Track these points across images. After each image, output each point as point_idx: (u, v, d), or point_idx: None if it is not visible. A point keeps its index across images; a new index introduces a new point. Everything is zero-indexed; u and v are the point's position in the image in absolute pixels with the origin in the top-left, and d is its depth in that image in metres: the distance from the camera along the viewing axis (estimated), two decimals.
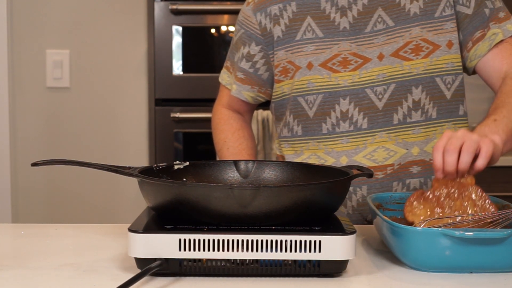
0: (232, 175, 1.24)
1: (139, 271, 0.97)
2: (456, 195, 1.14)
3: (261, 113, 2.73)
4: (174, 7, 2.79)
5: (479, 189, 1.14)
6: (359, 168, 1.19)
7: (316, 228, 1.00)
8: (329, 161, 1.45)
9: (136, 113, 3.05)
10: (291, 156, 1.50)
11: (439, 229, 1.01)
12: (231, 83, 1.61)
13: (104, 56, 3.03)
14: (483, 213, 1.13)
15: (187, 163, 1.23)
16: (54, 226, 1.33)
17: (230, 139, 1.61)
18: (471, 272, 1.04)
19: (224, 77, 1.65)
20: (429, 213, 1.13)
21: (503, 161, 2.74)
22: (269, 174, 1.24)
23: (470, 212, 1.13)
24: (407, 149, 1.42)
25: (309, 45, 1.46)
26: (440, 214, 1.13)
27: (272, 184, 1.22)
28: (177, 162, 1.23)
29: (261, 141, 2.73)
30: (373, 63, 1.43)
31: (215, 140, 1.65)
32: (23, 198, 3.05)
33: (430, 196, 1.14)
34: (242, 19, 1.56)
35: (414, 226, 1.09)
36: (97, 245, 1.19)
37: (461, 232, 1.00)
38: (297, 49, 1.47)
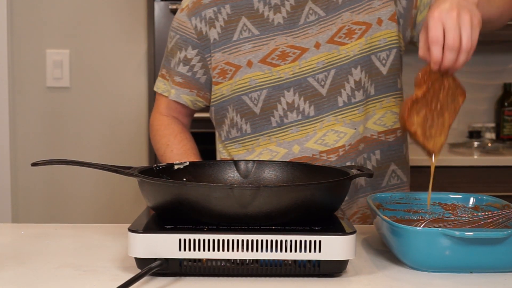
0: (232, 175, 1.24)
1: (139, 271, 0.97)
2: (437, 87, 1.15)
3: None
4: (174, 7, 2.80)
5: (453, 77, 1.17)
6: (359, 168, 1.19)
7: (316, 228, 1.00)
8: (281, 152, 1.46)
9: (136, 113, 3.05)
10: (242, 155, 1.51)
11: (439, 229, 1.01)
12: (169, 89, 1.60)
13: (104, 56, 3.03)
14: (483, 213, 1.13)
15: (187, 163, 1.23)
16: (54, 226, 1.33)
17: (173, 141, 1.59)
18: (471, 272, 1.04)
19: (159, 85, 1.63)
20: (427, 117, 1.15)
21: (503, 161, 2.74)
22: (269, 174, 1.24)
23: (449, 103, 1.16)
24: (355, 129, 1.46)
25: (247, 44, 1.49)
26: (434, 114, 1.15)
27: (272, 184, 1.22)
28: (177, 162, 1.23)
29: None
30: (311, 52, 1.46)
31: (157, 146, 1.62)
32: (23, 198, 3.05)
33: (421, 100, 1.14)
34: (176, 25, 1.58)
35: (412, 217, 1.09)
36: (97, 245, 1.19)
37: (461, 232, 1.00)
38: (235, 49, 1.50)
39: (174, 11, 2.81)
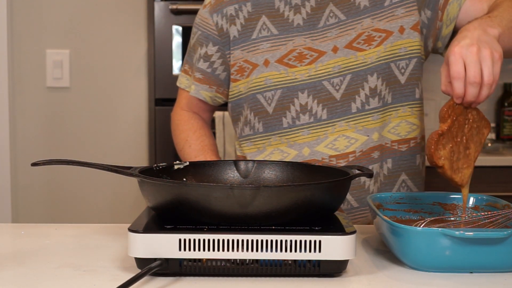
0: (232, 175, 1.24)
1: (139, 271, 0.97)
2: (462, 121, 1.16)
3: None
4: (174, 7, 2.79)
5: (476, 110, 1.18)
6: (359, 168, 1.19)
7: (316, 228, 1.00)
8: (292, 154, 1.47)
9: (136, 113, 3.05)
10: (254, 154, 1.52)
11: (439, 229, 1.01)
12: (190, 85, 1.63)
13: (104, 56, 3.02)
14: (483, 213, 1.13)
15: (187, 163, 1.23)
16: (54, 226, 1.33)
17: (192, 137, 1.61)
18: (471, 272, 1.04)
19: (182, 80, 1.65)
20: (453, 150, 1.15)
21: (503, 161, 2.74)
22: (269, 174, 1.24)
23: (474, 136, 1.17)
24: (368, 136, 1.45)
25: (265, 43, 1.50)
26: (460, 147, 1.15)
27: (272, 184, 1.22)
28: (177, 162, 1.23)
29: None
30: (328, 56, 1.47)
31: (176, 141, 1.65)
32: (23, 198, 3.05)
33: (446, 134, 1.15)
34: (199, 21, 1.59)
35: (417, 226, 1.09)
36: (97, 245, 1.19)
37: (461, 232, 1.00)
38: (253, 47, 1.51)
39: (174, 11, 2.81)
